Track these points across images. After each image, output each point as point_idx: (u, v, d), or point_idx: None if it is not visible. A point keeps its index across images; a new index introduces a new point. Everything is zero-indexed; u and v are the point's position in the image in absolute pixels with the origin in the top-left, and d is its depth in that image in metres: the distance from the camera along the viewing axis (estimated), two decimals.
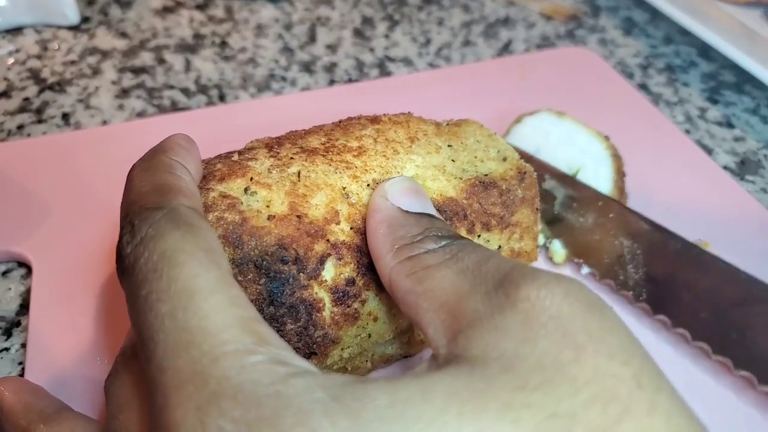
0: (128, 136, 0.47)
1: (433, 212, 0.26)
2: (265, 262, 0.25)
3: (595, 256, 0.37)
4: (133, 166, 0.25)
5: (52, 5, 0.58)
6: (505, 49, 0.61)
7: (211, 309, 0.18)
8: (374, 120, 0.32)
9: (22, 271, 0.39)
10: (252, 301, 0.24)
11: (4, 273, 0.39)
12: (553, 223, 0.39)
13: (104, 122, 0.50)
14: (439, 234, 0.24)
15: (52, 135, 0.48)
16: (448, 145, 0.31)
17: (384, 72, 0.57)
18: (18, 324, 0.36)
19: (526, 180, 0.31)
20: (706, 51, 0.61)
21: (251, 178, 0.27)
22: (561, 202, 0.39)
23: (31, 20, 0.59)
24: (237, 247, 0.25)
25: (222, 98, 0.53)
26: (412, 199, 0.26)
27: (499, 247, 0.30)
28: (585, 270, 0.38)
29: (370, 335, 0.28)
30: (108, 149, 0.46)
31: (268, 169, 0.28)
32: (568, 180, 0.39)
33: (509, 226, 0.31)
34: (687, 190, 0.44)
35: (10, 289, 0.38)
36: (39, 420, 0.27)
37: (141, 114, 0.51)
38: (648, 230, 0.36)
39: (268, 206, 0.26)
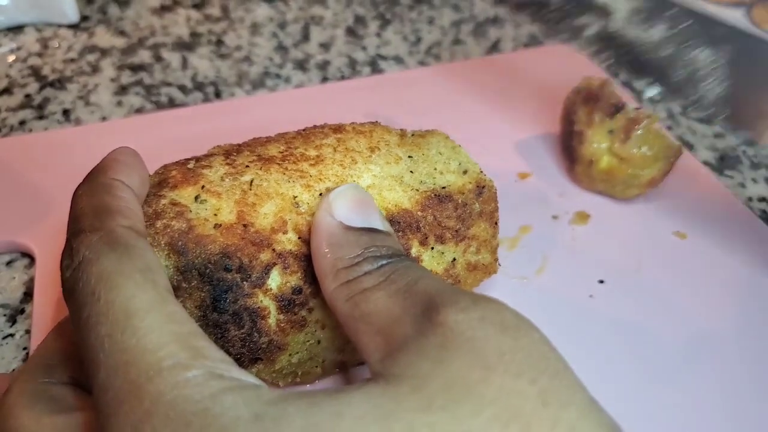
0: (127, 132, 0.49)
1: (379, 225, 0.26)
2: (208, 270, 0.25)
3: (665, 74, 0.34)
4: (76, 189, 0.26)
5: (52, 4, 0.59)
6: (494, 47, 0.63)
7: (147, 328, 0.19)
8: (337, 129, 0.32)
9: (26, 261, 0.41)
10: (196, 307, 0.26)
11: (8, 263, 0.40)
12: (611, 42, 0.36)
13: (103, 118, 0.51)
14: (378, 254, 0.24)
15: (54, 130, 0.49)
16: (409, 156, 0.32)
17: (376, 70, 0.59)
18: (22, 311, 0.38)
19: (485, 194, 0.32)
20: None
21: (203, 186, 0.28)
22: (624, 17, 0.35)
23: (31, 19, 0.60)
24: (182, 255, 0.26)
25: (218, 95, 0.54)
26: (355, 211, 0.26)
27: (454, 259, 0.31)
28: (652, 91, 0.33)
29: (319, 341, 0.29)
30: (107, 144, 0.47)
31: (221, 177, 0.28)
32: None
33: (465, 239, 0.31)
34: (666, 183, 0.46)
35: (14, 278, 0.40)
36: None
37: (139, 110, 0.52)
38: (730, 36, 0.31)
39: (216, 215, 0.27)
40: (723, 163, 0.50)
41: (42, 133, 0.49)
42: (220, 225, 0.26)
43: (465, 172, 0.32)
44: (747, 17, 0.63)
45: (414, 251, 0.29)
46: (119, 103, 0.53)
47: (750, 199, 0.47)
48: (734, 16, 0.63)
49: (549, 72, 0.56)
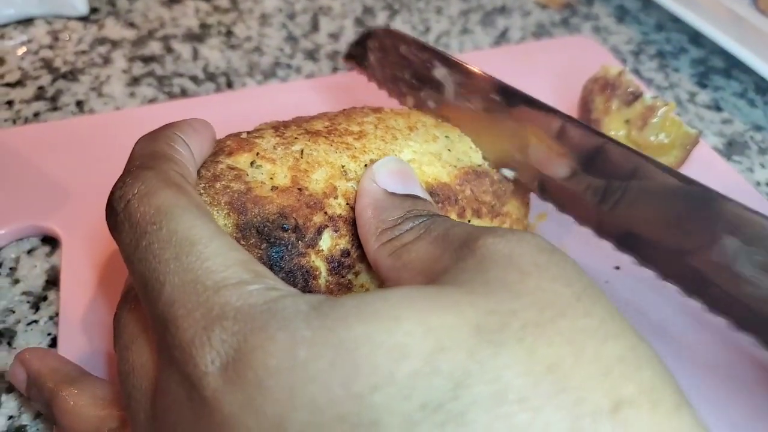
0: (141, 121, 0.49)
1: (419, 192, 0.28)
2: (266, 229, 0.26)
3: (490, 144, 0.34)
4: (142, 136, 0.28)
5: None
6: (502, 36, 0.63)
7: (212, 253, 0.20)
8: (376, 110, 0.34)
9: (46, 249, 0.41)
10: None
11: (29, 251, 0.41)
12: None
13: (117, 109, 0.52)
14: (418, 213, 0.26)
15: (69, 120, 0.49)
16: (446, 136, 0.33)
17: None
18: (45, 299, 0.38)
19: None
20: (696, 37, 0.63)
21: (257, 153, 0.29)
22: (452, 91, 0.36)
23: (41, 11, 0.60)
24: (241, 213, 0.27)
25: (230, 85, 0.55)
26: (397, 180, 0.28)
27: None
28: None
29: None
30: (122, 133, 0.48)
31: (274, 146, 0.29)
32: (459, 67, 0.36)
33: (499, 215, 0.33)
34: (681, 171, 0.46)
35: (35, 266, 0.40)
36: (65, 381, 0.29)
37: (152, 101, 0.53)
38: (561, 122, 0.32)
39: (271, 178, 0.28)
40: (731, 149, 0.51)
41: (57, 122, 0.49)
42: (277, 187, 0.27)
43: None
44: (753, 4, 0.64)
45: None
46: (132, 94, 0.53)
47: (758, 183, 0.48)
48: (738, 4, 0.63)
49: (563, 62, 0.57)
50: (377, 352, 0.17)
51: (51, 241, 0.41)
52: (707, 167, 0.47)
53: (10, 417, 0.32)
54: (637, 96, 0.40)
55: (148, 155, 0.25)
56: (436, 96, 0.36)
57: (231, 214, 0.27)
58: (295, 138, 0.30)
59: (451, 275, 0.20)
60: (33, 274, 0.39)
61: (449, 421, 0.15)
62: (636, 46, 0.63)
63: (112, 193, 0.24)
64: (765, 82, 0.53)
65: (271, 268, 0.26)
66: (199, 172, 0.28)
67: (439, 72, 0.36)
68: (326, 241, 0.28)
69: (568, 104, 0.50)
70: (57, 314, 0.37)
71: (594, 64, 0.52)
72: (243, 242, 0.26)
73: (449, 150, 0.32)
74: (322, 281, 0.28)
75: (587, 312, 0.18)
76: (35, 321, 0.37)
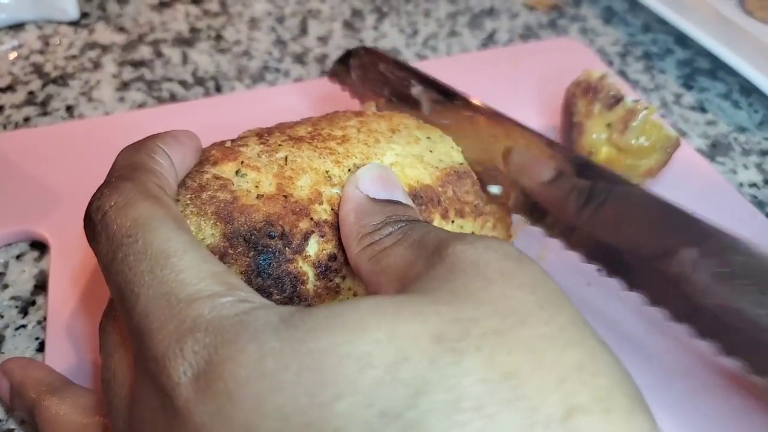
0: (131, 126, 0.49)
1: (401, 197, 0.28)
2: (253, 237, 0.27)
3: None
4: (124, 147, 0.28)
5: (53, 1, 0.60)
6: (490, 39, 0.64)
7: (186, 265, 0.21)
8: (358, 113, 0.34)
9: (35, 254, 0.41)
10: (241, 273, 0.27)
11: (18, 256, 0.41)
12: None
13: (106, 114, 0.52)
14: (398, 219, 0.26)
15: (59, 125, 0.50)
16: (427, 137, 0.33)
17: None
18: (33, 303, 0.39)
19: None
20: (682, 38, 0.64)
21: (242, 162, 0.29)
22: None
23: (32, 16, 0.61)
24: (228, 223, 0.27)
25: (218, 89, 0.55)
26: (379, 186, 0.28)
27: (472, 233, 0.32)
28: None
29: None
30: (112, 138, 0.48)
31: (258, 154, 0.30)
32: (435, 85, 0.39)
33: (483, 214, 0.33)
34: (663, 174, 0.47)
35: (24, 271, 0.40)
36: (47, 391, 0.30)
37: (141, 106, 0.53)
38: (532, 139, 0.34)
39: (257, 187, 0.28)
40: (715, 150, 0.51)
41: (47, 128, 0.49)
42: (262, 195, 0.28)
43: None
44: (739, 6, 0.64)
45: (436, 224, 0.31)
46: (121, 99, 0.53)
47: (741, 184, 0.49)
48: (725, 5, 0.64)
49: (549, 64, 0.57)
50: (343, 362, 0.17)
51: (40, 246, 0.42)
52: (691, 169, 0.48)
53: None
54: (618, 99, 0.41)
55: (128, 166, 0.26)
56: (413, 113, 0.37)
57: (218, 223, 0.27)
58: (279, 145, 0.30)
59: (423, 282, 0.21)
60: (21, 279, 0.40)
61: (407, 428, 0.16)
62: (623, 47, 0.63)
63: (90, 204, 0.24)
64: (749, 83, 0.53)
65: (259, 275, 0.27)
66: (185, 182, 0.28)
67: (416, 90, 0.38)
68: (313, 247, 0.28)
69: (552, 107, 0.51)
70: (45, 319, 0.37)
71: (579, 66, 0.52)
72: (231, 251, 0.27)
73: (431, 151, 0.33)
74: (310, 286, 0.28)
75: (549, 320, 0.19)
76: (23, 326, 0.37)
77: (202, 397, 0.18)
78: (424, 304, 0.19)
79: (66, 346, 0.35)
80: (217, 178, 0.28)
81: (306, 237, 0.28)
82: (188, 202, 0.28)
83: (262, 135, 0.32)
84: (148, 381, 0.20)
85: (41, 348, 0.36)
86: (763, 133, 0.53)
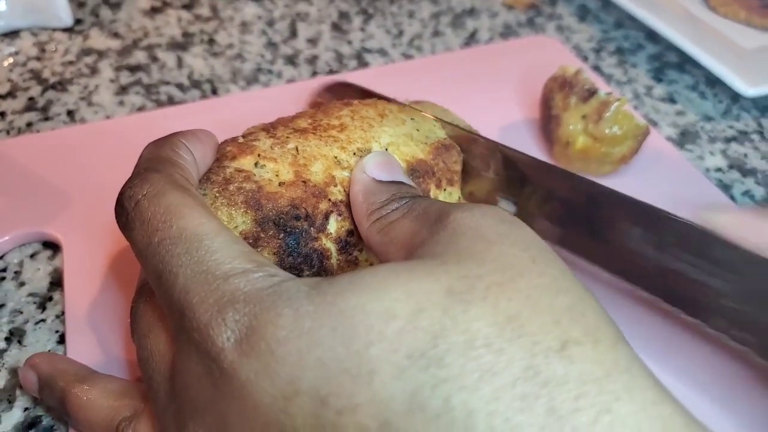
0: (132, 129, 0.52)
1: (402, 179, 0.31)
2: (281, 220, 0.30)
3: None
4: (149, 143, 0.31)
5: (46, 8, 0.61)
6: (472, 38, 0.67)
7: (219, 246, 0.23)
8: (347, 104, 0.37)
9: (48, 252, 0.43)
10: (274, 254, 0.30)
11: (32, 255, 0.43)
12: None
13: (107, 117, 0.54)
14: (402, 195, 0.29)
15: (61, 129, 0.52)
16: (411, 119, 0.37)
17: (362, 62, 0.62)
18: (50, 299, 0.41)
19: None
20: (652, 35, 0.67)
21: (258, 155, 0.32)
22: None
23: (27, 23, 0.62)
24: (258, 210, 0.30)
25: (214, 92, 0.57)
26: (383, 170, 0.31)
27: (459, 197, 0.36)
28: None
29: None
30: (114, 141, 0.50)
31: (270, 146, 0.32)
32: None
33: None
34: (635, 160, 0.50)
35: (39, 269, 0.42)
36: (76, 380, 0.31)
37: (141, 109, 0.55)
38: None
39: (277, 175, 0.31)
40: (684, 138, 0.55)
41: (50, 132, 0.51)
42: (284, 183, 0.31)
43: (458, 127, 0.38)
44: (703, 2, 0.68)
45: (432, 194, 0.34)
46: (121, 103, 0.56)
47: (708, 169, 0.52)
48: (690, 2, 0.67)
49: (527, 61, 0.61)
50: (370, 316, 0.20)
51: (52, 246, 0.44)
52: (661, 156, 0.51)
53: (26, 409, 0.35)
54: (592, 92, 0.44)
55: (154, 159, 0.28)
56: None
57: (248, 211, 0.30)
58: (287, 137, 0.33)
59: (428, 247, 0.24)
60: (37, 276, 0.42)
61: (431, 365, 0.19)
62: (597, 43, 0.67)
63: (121, 194, 0.27)
64: (715, 75, 0.57)
65: (290, 254, 0.30)
66: (209, 177, 0.31)
67: None
68: (333, 225, 0.31)
69: (532, 101, 0.54)
70: (63, 313, 0.39)
71: (556, 62, 0.56)
72: (263, 235, 0.29)
73: (417, 130, 0.36)
74: (334, 261, 0.31)
75: (542, 272, 0.22)
76: (43, 320, 0.39)
77: (247, 357, 0.20)
78: (435, 266, 0.22)
79: (86, 336, 0.37)
80: (239, 171, 0.31)
81: (326, 216, 0.31)
82: (217, 195, 0.30)
83: (269, 130, 0.34)
84: (193, 350, 0.22)
85: (61, 340, 0.38)
86: (728, 121, 0.57)
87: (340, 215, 0.31)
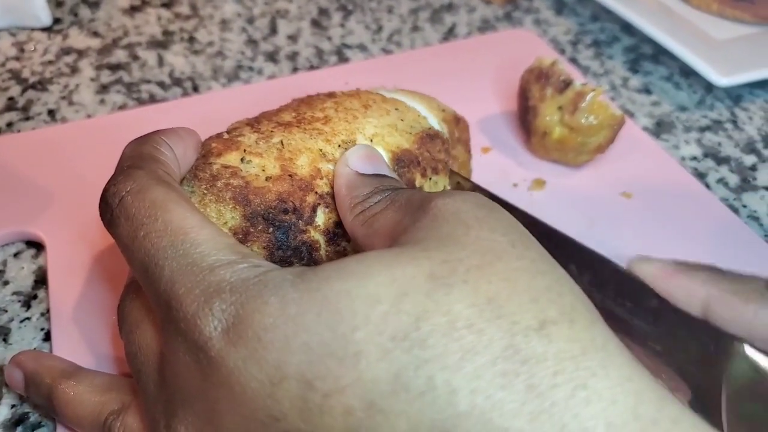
0: (113, 127, 0.52)
1: (385, 171, 0.31)
2: (270, 215, 0.30)
3: None
4: (130, 141, 0.31)
5: (24, 8, 0.61)
6: (450, 32, 0.67)
7: (203, 239, 0.24)
8: (330, 95, 0.38)
9: (32, 251, 0.44)
10: (263, 248, 0.30)
11: (16, 254, 0.43)
12: None
13: (88, 116, 0.54)
14: (384, 188, 0.29)
15: (43, 129, 0.52)
16: (395, 109, 0.37)
17: (342, 58, 0.63)
18: (35, 297, 0.41)
19: (461, 123, 0.39)
20: (627, 27, 0.68)
21: (244, 150, 0.32)
22: None
23: (5, 23, 0.62)
24: (246, 205, 0.30)
25: (196, 89, 0.58)
26: (366, 163, 0.31)
27: (445, 186, 0.37)
28: None
29: None
30: (95, 140, 0.50)
31: (256, 141, 0.33)
32: None
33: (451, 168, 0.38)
34: (611, 150, 0.51)
35: (23, 268, 0.43)
36: (62, 376, 0.32)
37: (122, 107, 0.55)
38: None
39: (263, 170, 0.31)
40: (659, 128, 0.56)
41: (31, 132, 0.51)
42: (270, 177, 0.31)
43: (443, 110, 0.39)
44: None
45: (417, 182, 0.35)
46: (102, 101, 0.56)
47: (683, 158, 0.53)
48: None
49: (505, 54, 0.61)
50: (355, 301, 0.20)
51: (35, 245, 0.44)
52: (638, 145, 0.52)
53: (13, 406, 0.35)
54: (568, 83, 0.45)
55: (136, 157, 0.28)
56: None
57: (237, 207, 0.30)
58: (272, 131, 0.33)
59: (410, 234, 0.24)
60: (21, 275, 0.42)
61: (414, 347, 0.20)
62: (574, 36, 0.68)
63: (105, 191, 0.27)
64: (689, 66, 0.58)
65: (280, 248, 0.30)
66: (196, 174, 0.31)
67: None
68: (321, 217, 0.31)
69: (509, 93, 0.55)
70: (48, 311, 0.39)
71: (533, 55, 0.56)
72: (252, 230, 0.30)
73: (402, 120, 0.36)
74: (322, 252, 0.32)
75: (520, 255, 0.23)
76: (28, 318, 0.40)
77: (234, 346, 0.21)
78: (417, 251, 0.22)
79: (71, 333, 0.38)
80: (225, 167, 0.31)
81: (314, 209, 0.31)
82: (205, 191, 0.30)
83: (253, 124, 0.34)
84: (180, 340, 0.23)
85: (47, 338, 0.39)
86: (702, 111, 0.58)
87: (327, 207, 0.32)
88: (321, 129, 0.34)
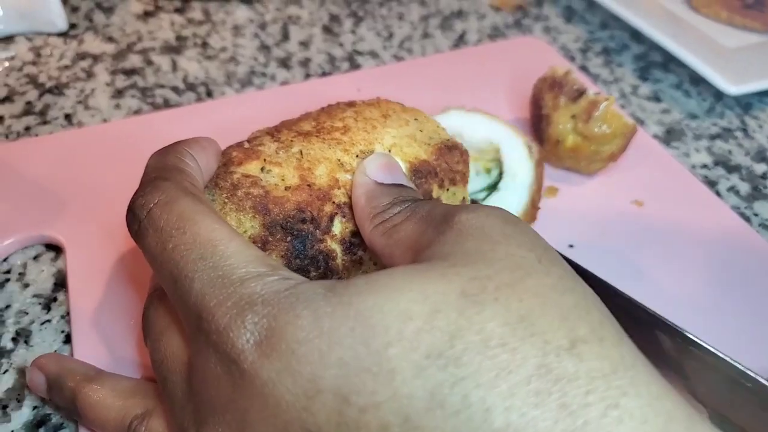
0: (128, 132, 0.52)
1: (403, 181, 0.31)
2: (288, 224, 0.31)
3: None
4: (153, 153, 0.31)
5: (41, 14, 0.62)
6: (461, 39, 0.68)
7: (233, 251, 0.24)
8: (351, 104, 0.38)
9: (51, 254, 0.44)
10: (282, 256, 0.31)
11: (35, 257, 0.44)
12: None
13: (104, 120, 0.55)
14: (404, 199, 0.29)
15: (60, 133, 0.52)
16: (415, 119, 0.37)
17: (354, 65, 0.63)
18: (55, 299, 0.41)
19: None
20: (636, 34, 0.69)
21: (264, 160, 0.33)
22: None
23: (22, 29, 0.63)
24: (265, 215, 0.31)
25: (209, 94, 0.58)
26: (385, 172, 0.31)
27: (464, 198, 0.37)
28: None
29: None
30: (112, 144, 0.51)
31: (276, 151, 0.33)
32: None
33: (469, 180, 0.38)
34: (623, 158, 0.52)
35: (42, 270, 0.43)
36: (84, 380, 0.32)
37: (137, 112, 0.56)
38: None
39: (283, 180, 0.32)
40: (670, 136, 0.57)
41: (49, 136, 0.52)
42: (289, 187, 0.31)
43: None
44: (686, 2, 0.70)
45: (434, 193, 0.35)
46: (117, 106, 0.56)
47: (693, 166, 0.54)
48: (673, 2, 0.69)
49: (516, 62, 0.62)
50: (388, 317, 0.21)
51: (54, 248, 0.45)
52: (649, 153, 0.53)
53: (35, 407, 0.36)
54: (581, 92, 0.45)
55: (161, 168, 0.29)
56: None
57: (257, 216, 0.31)
58: (291, 140, 0.34)
59: (435, 248, 0.24)
60: (41, 278, 0.43)
61: (449, 364, 0.20)
62: (583, 44, 0.68)
63: (133, 202, 0.27)
64: (698, 74, 0.59)
65: (297, 256, 0.31)
66: (217, 183, 0.32)
67: None
68: (338, 226, 0.32)
69: (521, 101, 0.55)
70: (68, 313, 0.40)
71: (544, 62, 0.57)
72: (271, 238, 0.30)
73: (421, 131, 0.37)
74: (339, 261, 0.32)
75: (547, 272, 0.23)
76: (48, 320, 0.40)
77: (267, 358, 0.21)
78: (445, 267, 0.22)
79: (91, 336, 0.38)
80: (246, 176, 0.32)
81: (331, 219, 0.32)
82: (226, 200, 0.31)
83: (273, 133, 0.35)
84: (211, 352, 0.23)
85: (67, 340, 0.39)
86: (712, 119, 0.59)
87: (344, 217, 0.32)
88: (340, 139, 0.34)
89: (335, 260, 0.32)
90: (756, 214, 0.50)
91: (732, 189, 0.52)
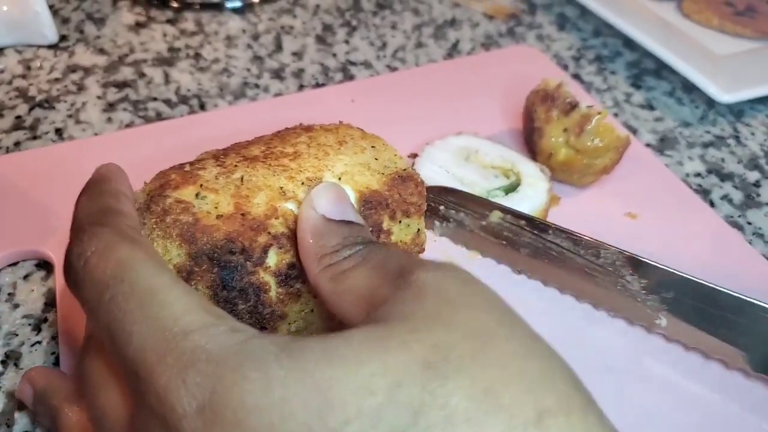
0: (120, 145, 0.52)
1: (353, 217, 0.30)
2: (216, 254, 0.30)
3: None
4: (80, 193, 0.29)
5: (31, 25, 0.61)
6: (454, 48, 0.68)
7: (173, 300, 0.22)
8: (308, 129, 0.37)
9: (42, 273, 0.44)
10: (207, 288, 0.30)
11: (26, 276, 0.44)
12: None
13: (95, 135, 0.54)
14: (355, 241, 0.28)
15: (50, 147, 0.52)
16: (372, 146, 0.36)
17: (347, 75, 0.63)
18: (45, 320, 0.41)
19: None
20: (629, 41, 0.69)
21: (201, 185, 0.32)
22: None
23: (11, 41, 0.62)
24: (192, 243, 0.30)
25: (202, 107, 0.58)
26: (334, 206, 0.30)
27: (419, 229, 0.36)
28: None
29: (312, 309, 0.33)
30: (104, 157, 0.50)
31: (215, 176, 0.32)
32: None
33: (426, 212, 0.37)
34: (616, 170, 0.52)
35: (33, 290, 0.43)
36: (67, 399, 0.31)
37: (129, 125, 0.55)
38: None
39: (216, 207, 0.31)
40: (663, 144, 0.57)
41: (39, 150, 0.52)
42: (222, 215, 0.30)
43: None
44: (678, 10, 0.70)
45: (385, 225, 0.34)
46: (109, 120, 0.56)
47: (687, 174, 0.54)
48: (665, 10, 0.69)
49: (509, 71, 0.62)
50: (346, 391, 0.19)
51: (45, 266, 0.44)
52: (642, 163, 0.52)
53: (25, 431, 0.35)
54: (573, 106, 0.45)
55: (97, 212, 0.27)
56: None
57: (183, 245, 0.30)
58: (235, 166, 0.33)
59: (393, 306, 0.23)
60: (31, 297, 0.42)
61: None
62: (576, 51, 0.68)
63: (69, 251, 0.25)
64: (690, 81, 0.59)
65: (224, 288, 0.30)
66: (149, 206, 0.31)
67: None
68: (273, 258, 0.31)
69: (514, 111, 0.55)
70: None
71: (537, 72, 0.57)
72: (196, 269, 0.29)
73: (376, 159, 0.36)
74: (273, 294, 0.31)
75: (509, 336, 0.22)
76: (38, 342, 0.40)
77: (210, 426, 0.19)
78: (405, 333, 0.21)
79: (78, 358, 0.38)
80: (179, 201, 0.31)
81: (265, 250, 0.30)
82: (154, 226, 0.30)
83: (219, 157, 0.34)
84: (151, 414, 0.21)
85: (57, 362, 0.39)
86: (705, 126, 0.59)
87: (281, 248, 0.31)
88: (287, 165, 0.33)
89: (268, 293, 0.31)
90: (749, 223, 0.50)
91: (725, 197, 0.52)
